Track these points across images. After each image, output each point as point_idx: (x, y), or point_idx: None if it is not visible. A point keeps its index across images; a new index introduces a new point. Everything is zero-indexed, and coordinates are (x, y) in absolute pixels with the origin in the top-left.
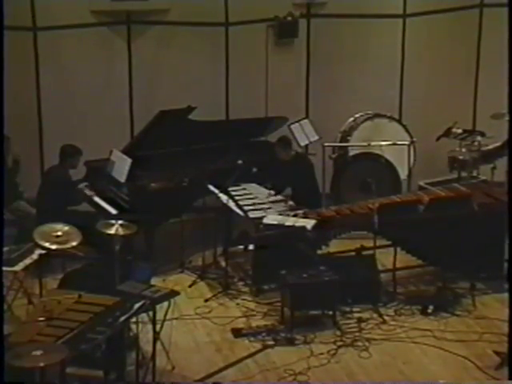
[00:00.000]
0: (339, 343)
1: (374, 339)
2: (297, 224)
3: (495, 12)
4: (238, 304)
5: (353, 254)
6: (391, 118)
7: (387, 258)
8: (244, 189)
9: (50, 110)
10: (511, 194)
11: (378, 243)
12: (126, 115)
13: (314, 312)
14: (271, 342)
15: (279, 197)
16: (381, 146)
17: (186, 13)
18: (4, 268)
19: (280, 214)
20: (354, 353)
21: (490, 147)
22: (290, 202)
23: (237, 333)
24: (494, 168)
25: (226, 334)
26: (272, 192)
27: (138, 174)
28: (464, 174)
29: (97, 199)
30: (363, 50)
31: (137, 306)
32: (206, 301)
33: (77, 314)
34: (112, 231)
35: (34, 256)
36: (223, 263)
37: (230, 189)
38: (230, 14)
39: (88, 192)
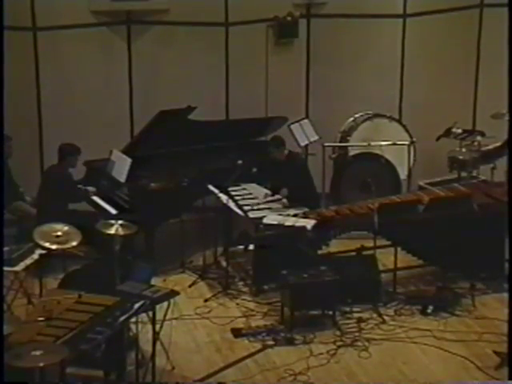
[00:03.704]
0: (339, 343)
1: (374, 339)
2: (297, 224)
3: (495, 12)
4: (237, 304)
5: (353, 253)
6: (391, 118)
7: (387, 257)
8: (244, 189)
9: (49, 110)
10: (511, 194)
11: (378, 243)
12: (126, 115)
13: (314, 312)
14: (271, 342)
15: (275, 196)
16: (381, 145)
17: (186, 13)
18: (5, 268)
19: (280, 214)
20: (354, 353)
21: (490, 147)
22: (284, 200)
23: (237, 333)
24: (493, 168)
25: (226, 334)
26: (269, 192)
27: (138, 174)
28: (464, 174)
29: (97, 199)
30: (363, 50)
31: (137, 306)
32: (206, 301)
33: (77, 314)
34: (112, 231)
35: (35, 256)
36: (224, 263)
37: (230, 189)
38: (230, 14)
39: (89, 189)
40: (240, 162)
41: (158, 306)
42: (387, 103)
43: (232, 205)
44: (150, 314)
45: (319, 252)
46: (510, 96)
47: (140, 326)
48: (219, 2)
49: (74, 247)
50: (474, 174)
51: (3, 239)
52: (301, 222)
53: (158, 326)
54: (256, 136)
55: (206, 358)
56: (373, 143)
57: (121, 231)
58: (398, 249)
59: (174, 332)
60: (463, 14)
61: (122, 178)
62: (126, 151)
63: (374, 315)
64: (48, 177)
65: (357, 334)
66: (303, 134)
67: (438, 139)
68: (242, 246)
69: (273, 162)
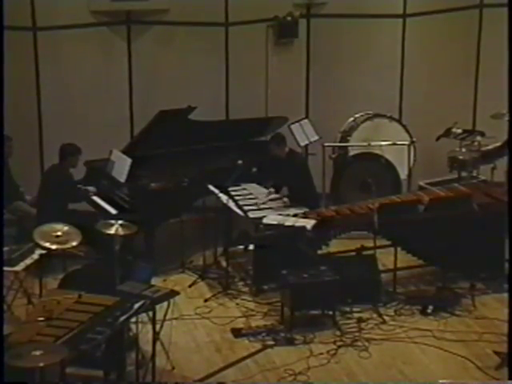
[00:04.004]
0: (339, 343)
1: (374, 339)
2: (297, 224)
3: (495, 12)
4: (237, 304)
5: (353, 253)
6: (391, 118)
7: (387, 257)
8: (244, 189)
9: (49, 110)
10: (511, 194)
11: (378, 243)
12: (126, 115)
13: (314, 312)
14: (271, 342)
15: (276, 195)
16: (381, 145)
17: (186, 13)
18: (5, 268)
19: (280, 214)
20: (354, 353)
21: (490, 147)
22: (285, 199)
23: (237, 333)
24: (494, 168)
25: (226, 334)
26: (272, 190)
27: (138, 174)
28: (464, 174)
29: (97, 199)
30: (363, 49)
31: (137, 306)
32: (206, 301)
33: (77, 314)
34: (112, 231)
35: (35, 256)
36: (224, 263)
37: (230, 189)
38: (230, 14)
39: (90, 189)
40: (240, 162)
41: (157, 306)
42: (387, 103)
43: (232, 205)
44: (150, 314)
45: (319, 252)
46: (510, 96)
47: (140, 326)
48: (219, 2)
49: (73, 247)
50: (474, 174)
51: (3, 239)
52: (301, 222)
53: (158, 326)
54: (256, 136)
55: (206, 358)
56: (373, 143)
57: (121, 231)
58: (398, 249)
59: (174, 332)
60: (463, 14)
61: (122, 178)
62: (126, 151)
63: (374, 315)
64: (48, 177)
65: (357, 334)
66: (303, 133)
67: (437, 139)
68: (241, 246)
69: (273, 159)
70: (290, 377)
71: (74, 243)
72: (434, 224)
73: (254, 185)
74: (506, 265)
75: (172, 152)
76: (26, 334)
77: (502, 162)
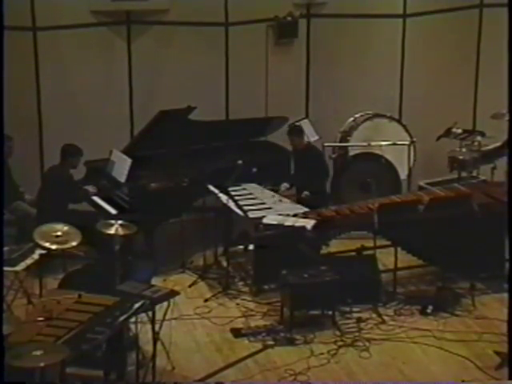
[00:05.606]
0: (339, 343)
1: (374, 339)
2: (297, 224)
3: (495, 12)
4: (237, 304)
5: (353, 253)
6: (391, 118)
7: (387, 257)
8: (244, 189)
9: (49, 110)
10: (511, 194)
11: (378, 243)
12: (126, 115)
13: (314, 312)
14: (271, 342)
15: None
16: (381, 145)
17: (186, 13)
18: (5, 268)
19: (280, 214)
20: (354, 353)
21: (490, 147)
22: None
23: (237, 333)
24: (494, 168)
25: (226, 334)
26: (287, 185)
27: (138, 174)
28: (464, 174)
29: (97, 199)
30: (363, 50)
31: (136, 305)
32: (206, 301)
33: (77, 314)
34: (112, 231)
35: (35, 256)
36: (224, 263)
37: (230, 189)
38: (230, 14)
39: (90, 189)
40: (240, 162)
41: (157, 306)
42: (387, 103)
43: (232, 205)
44: (150, 314)
45: (319, 252)
46: (510, 96)
47: (140, 325)
48: (219, 2)
49: (73, 247)
50: (474, 174)
51: (3, 239)
52: (301, 222)
53: (157, 326)
54: (256, 136)
55: (206, 358)
56: (373, 143)
57: (121, 231)
58: (398, 249)
59: (174, 332)
60: (463, 13)
61: (122, 178)
62: (126, 151)
63: (374, 315)
64: (48, 177)
65: (357, 334)
66: None
67: (438, 139)
68: (241, 246)
69: (294, 150)
70: (291, 377)
71: (74, 243)
72: (434, 224)
73: (253, 185)
74: (506, 265)
75: (172, 152)
76: (25, 334)
77: (502, 162)
